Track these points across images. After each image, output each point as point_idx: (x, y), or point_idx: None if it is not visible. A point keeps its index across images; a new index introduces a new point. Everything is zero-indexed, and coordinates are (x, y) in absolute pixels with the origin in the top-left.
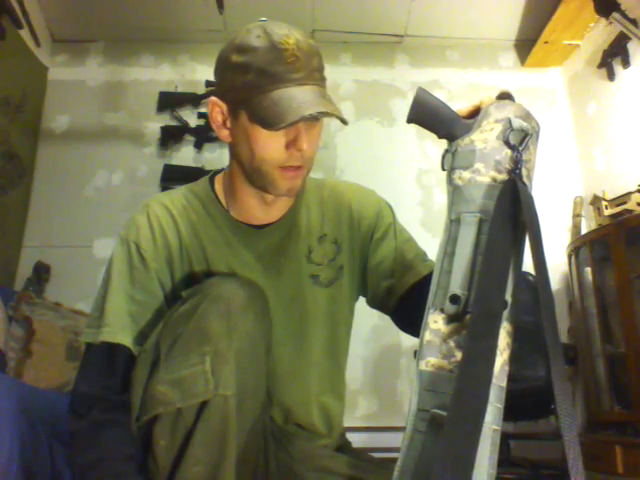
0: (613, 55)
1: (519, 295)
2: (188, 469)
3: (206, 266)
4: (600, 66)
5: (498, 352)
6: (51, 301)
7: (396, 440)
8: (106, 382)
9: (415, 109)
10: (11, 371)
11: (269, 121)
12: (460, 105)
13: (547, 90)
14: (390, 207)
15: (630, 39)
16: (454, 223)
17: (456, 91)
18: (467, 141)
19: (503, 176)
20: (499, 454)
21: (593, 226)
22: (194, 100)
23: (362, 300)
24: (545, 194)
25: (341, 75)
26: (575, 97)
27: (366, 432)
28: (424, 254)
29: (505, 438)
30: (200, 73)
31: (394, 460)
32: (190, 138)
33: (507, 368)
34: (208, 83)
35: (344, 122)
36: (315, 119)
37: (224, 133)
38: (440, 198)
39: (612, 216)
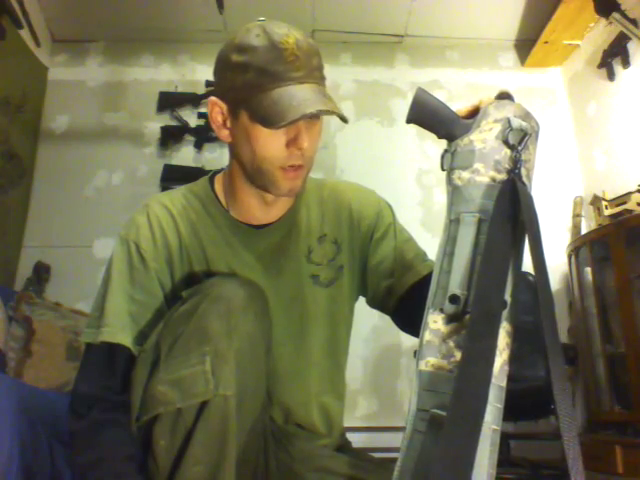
0: (613, 55)
1: (519, 295)
2: (188, 469)
3: (206, 266)
4: (600, 66)
5: (497, 352)
6: (51, 301)
7: (396, 440)
8: (106, 382)
9: (414, 109)
10: (11, 371)
11: (270, 119)
12: (460, 105)
13: (547, 90)
14: (390, 207)
15: (630, 39)
16: (453, 223)
17: (456, 91)
18: (466, 141)
19: (502, 176)
20: (499, 454)
21: (593, 226)
22: (194, 100)
23: (362, 300)
24: (545, 194)
25: (341, 75)
26: (575, 97)
27: (366, 432)
28: (424, 254)
29: (505, 438)
30: (200, 73)
31: (394, 460)
32: (190, 138)
33: (507, 368)
34: (208, 83)
35: (344, 120)
36: (316, 118)
37: (224, 133)
38: (440, 198)
39: (612, 216)
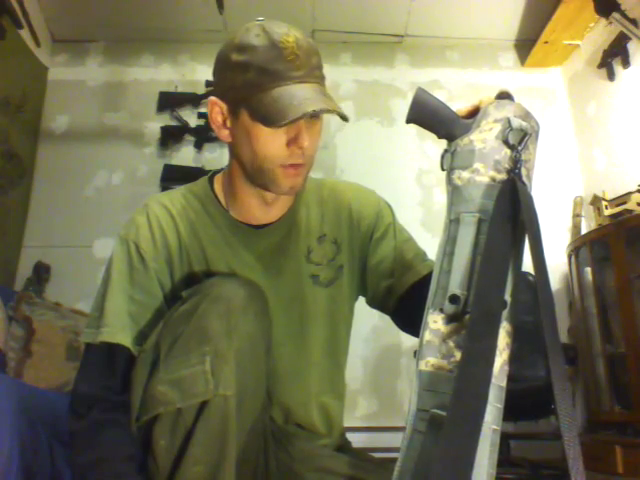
0: (613, 55)
1: (519, 295)
2: (188, 469)
3: (206, 266)
4: (600, 66)
5: (497, 352)
6: (51, 301)
7: (396, 440)
8: (106, 382)
9: (414, 109)
10: (11, 371)
11: (271, 118)
12: (460, 105)
13: (547, 90)
14: (390, 207)
15: (630, 39)
16: (453, 223)
17: (456, 91)
18: (466, 141)
19: (502, 176)
20: (499, 454)
21: (593, 226)
22: (194, 100)
23: (362, 300)
24: (545, 194)
25: (341, 75)
26: (575, 97)
27: (366, 432)
28: (424, 254)
29: (505, 438)
30: (200, 73)
31: (394, 460)
32: (190, 138)
33: (507, 368)
34: (208, 83)
35: (345, 119)
36: (316, 117)
37: (224, 133)
38: (440, 198)
39: (612, 216)
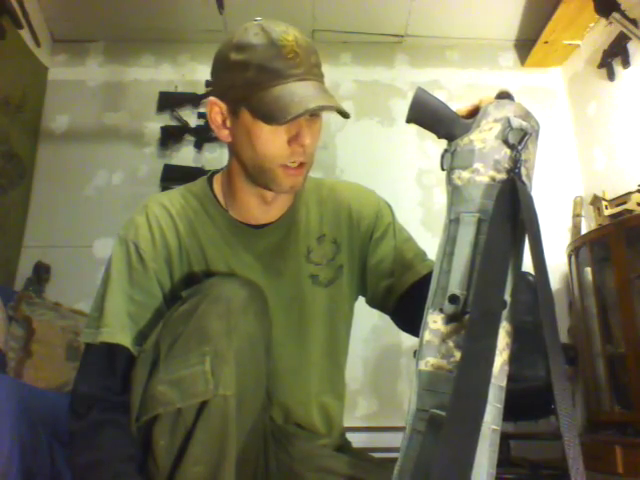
0: (613, 55)
1: (519, 295)
2: (188, 469)
3: (205, 266)
4: (600, 66)
5: (497, 352)
6: (51, 301)
7: (396, 440)
8: (106, 382)
9: (414, 109)
10: (11, 371)
11: (273, 116)
12: (460, 105)
13: (547, 90)
14: (389, 207)
15: (630, 39)
16: (453, 223)
17: (456, 91)
18: (466, 141)
19: (502, 175)
20: (499, 454)
21: (593, 226)
22: (194, 100)
23: (362, 300)
24: (545, 194)
25: (341, 75)
26: (575, 97)
27: (366, 432)
28: (423, 253)
29: (505, 438)
30: (200, 73)
31: (394, 460)
32: (190, 138)
33: (507, 368)
34: (208, 83)
35: (346, 115)
36: (316, 115)
37: (224, 133)
38: (440, 198)
39: (612, 216)
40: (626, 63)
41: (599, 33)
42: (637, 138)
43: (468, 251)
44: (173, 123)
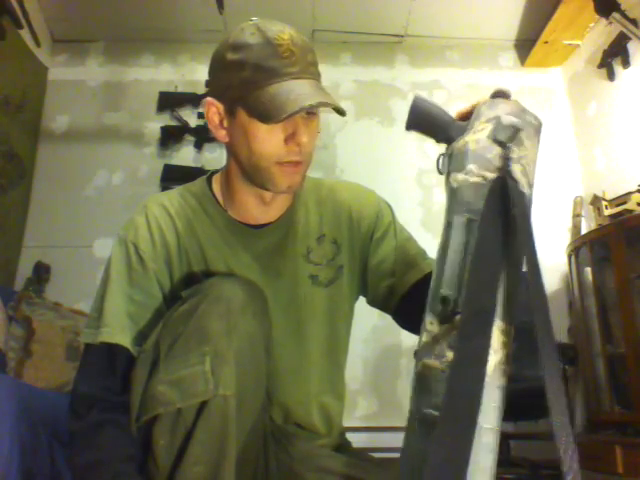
0: (613, 55)
1: (519, 295)
2: (188, 469)
3: (205, 266)
4: (600, 66)
5: (492, 351)
6: (51, 301)
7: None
8: (106, 383)
9: (412, 117)
10: (11, 371)
11: (268, 114)
12: (461, 106)
13: (547, 90)
14: (389, 206)
15: (630, 39)
16: (449, 225)
17: (456, 91)
18: (461, 143)
19: (494, 174)
20: (499, 454)
21: (593, 226)
22: (194, 100)
23: (362, 300)
24: (545, 194)
25: (341, 75)
26: (575, 97)
27: (366, 432)
28: (424, 252)
29: (505, 438)
30: (200, 73)
31: (394, 460)
32: (190, 138)
33: (505, 367)
34: (207, 83)
35: (342, 113)
36: (313, 113)
37: (221, 133)
38: (440, 198)
39: (612, 216)
40: (626, 63)
41: (599, 33)
42: (637, 138)
43: (459, 252)
44: (173, 123)
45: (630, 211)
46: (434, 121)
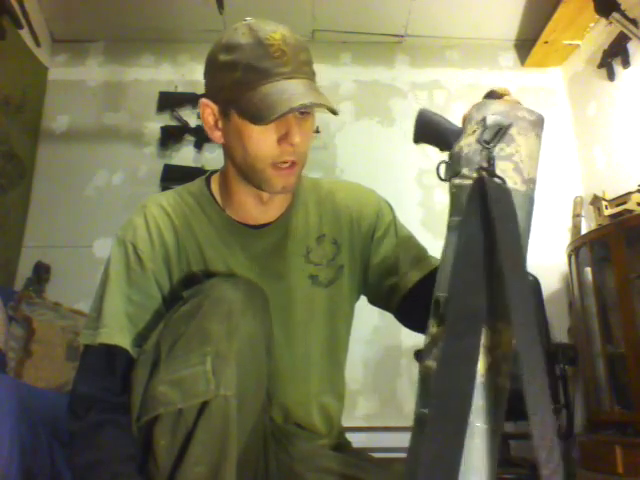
0: (613, 55)
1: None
2: (189, 469)
3: (204, 266)
4: (600, 66)
5: (484, 350)
6: (51, 301)
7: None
8: (105, 383)
9: (418, 129)
10: (11, 371)
11: (259, 115)
12: (465, 111)
13: (547, 90)
14: (389, 205)
15: (630, 39)
16: (448, 229)
17: (456, 91)
18: (457, 148)
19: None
20: (499, 454)
21: (593, 226)
22: (194, 100)
23: (363, 301)
24: (545, 194)
25: (341, 75)
26: (575, 97)
27: (366, 432)
28: (425, 250)
29: (505, 438)
30: (200, 73)
31: (394, 460)
32: (190, 138)
33: (503, 367)
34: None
35: (334, 113)
36: (307, 113)
37: (217, 134)
38: (440, 198)
39: (612, 216)
40: (626, 63)
41: (599, 33)
42: (637, 138)
43: (451, 255)
44: (173, 123)
45: (630, 211)
46: (439, 132)
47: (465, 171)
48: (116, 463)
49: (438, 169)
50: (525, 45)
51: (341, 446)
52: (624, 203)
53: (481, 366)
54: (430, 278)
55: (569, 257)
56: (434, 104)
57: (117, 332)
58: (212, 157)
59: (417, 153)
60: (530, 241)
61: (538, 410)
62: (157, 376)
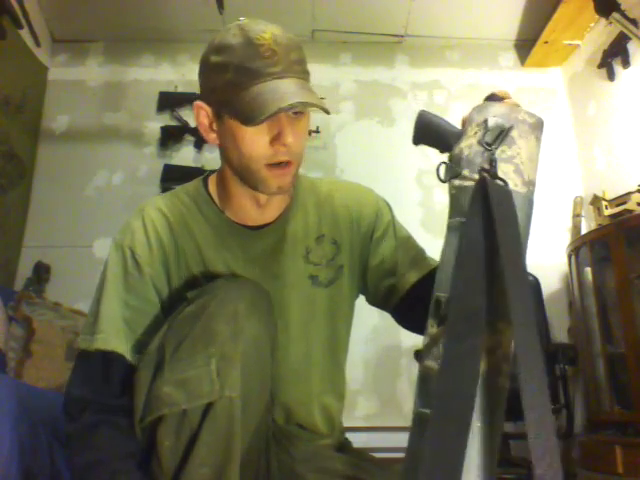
0: (613, 55)
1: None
2: (194, 470)
3: (204, 267)
4: (600, 66)
5: (485, 350)
6: (51, 301)
7: (396, 440)
8: (99, 387)
9: (418, 131)
10: (11, 371)
11: (249, 116)
12: (464, 113)
13: (547, 90)
14: (388, 205)
15: (630, 39)
16: (447, 230)
17: (456, 91)
18: (457, 150)
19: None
20: (499, 454)
21: (593, 226)
22: (194, 100)
23: (363, 301)
24: (545, 194)
25: (341, 75)
26: (575, 97)
27: (366, 432)
28: (423, 251)
29: (505, 438)
30: None
31: (394, 460)
32: (190, 138)
33: (503, 367)
34: None
35: (326, 112)
36: (300, 113)
37: (212, 136)
38: (440, 198)
39: (612, 216)
40: (626, 63)
41: (599, 33)
42: (637, 138)
43: (452, 256)
44: (173, 123)
45: (630, 211)
46: (439, 133)
47: (466, 172)
48: (115, 461)
49: (438, 170)
50: (525, 45)
51: (342, 446)
52: (624, 203)
53: (481, 366)
54: (428, 279)
55: (569, 257)
56: (434, 104)
57: (114, 337)
58: (212, 157)
59: (417, 153)
60: (530, 242)
61: (535, 409)
62: (162, 377)
